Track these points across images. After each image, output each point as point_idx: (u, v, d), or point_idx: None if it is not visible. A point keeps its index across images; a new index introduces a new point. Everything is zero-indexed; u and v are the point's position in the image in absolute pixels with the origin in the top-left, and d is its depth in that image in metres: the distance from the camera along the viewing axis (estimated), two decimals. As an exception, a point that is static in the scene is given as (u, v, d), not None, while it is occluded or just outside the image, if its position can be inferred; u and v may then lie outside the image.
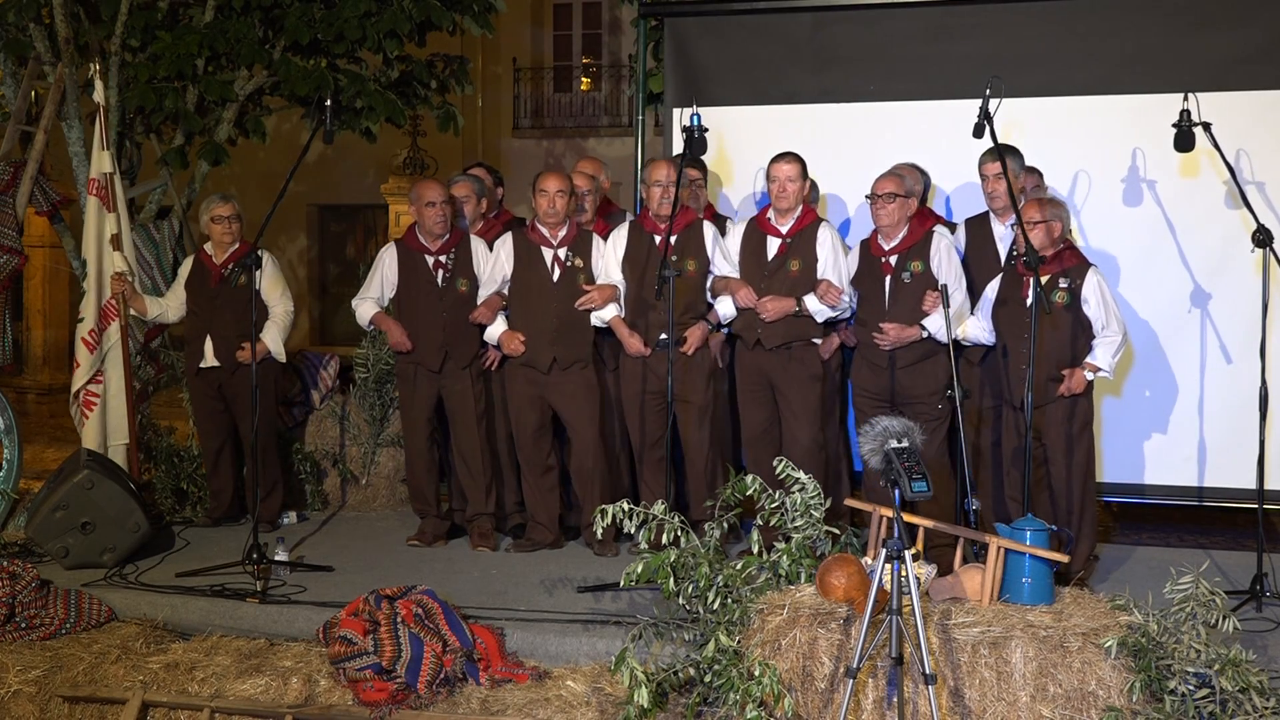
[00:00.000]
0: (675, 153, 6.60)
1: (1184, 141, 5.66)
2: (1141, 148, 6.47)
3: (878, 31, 6.88)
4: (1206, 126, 5.61)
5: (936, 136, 6.62)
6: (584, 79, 17.74)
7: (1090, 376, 5.56)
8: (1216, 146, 5.58)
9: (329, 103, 6.03)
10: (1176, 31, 6.48)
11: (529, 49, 17.61)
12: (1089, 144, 6.55)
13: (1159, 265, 6.49)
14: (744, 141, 6.96)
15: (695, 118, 5.79)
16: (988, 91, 5.27)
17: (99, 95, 6.89)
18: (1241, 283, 6.27)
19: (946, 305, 5.37)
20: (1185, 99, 5.64)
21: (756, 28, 7.02)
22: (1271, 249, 5.43)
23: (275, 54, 8.07)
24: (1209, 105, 5.64)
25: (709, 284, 6.16)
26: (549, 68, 17.77)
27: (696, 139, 5.81)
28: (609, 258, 6.24)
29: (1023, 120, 6.35)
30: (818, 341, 6.03)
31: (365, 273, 7.42)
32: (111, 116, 7.33)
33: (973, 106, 5.35)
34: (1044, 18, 6.63)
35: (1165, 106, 5.89)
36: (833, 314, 5.98)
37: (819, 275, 5.96)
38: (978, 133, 5.37)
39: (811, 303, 5.94)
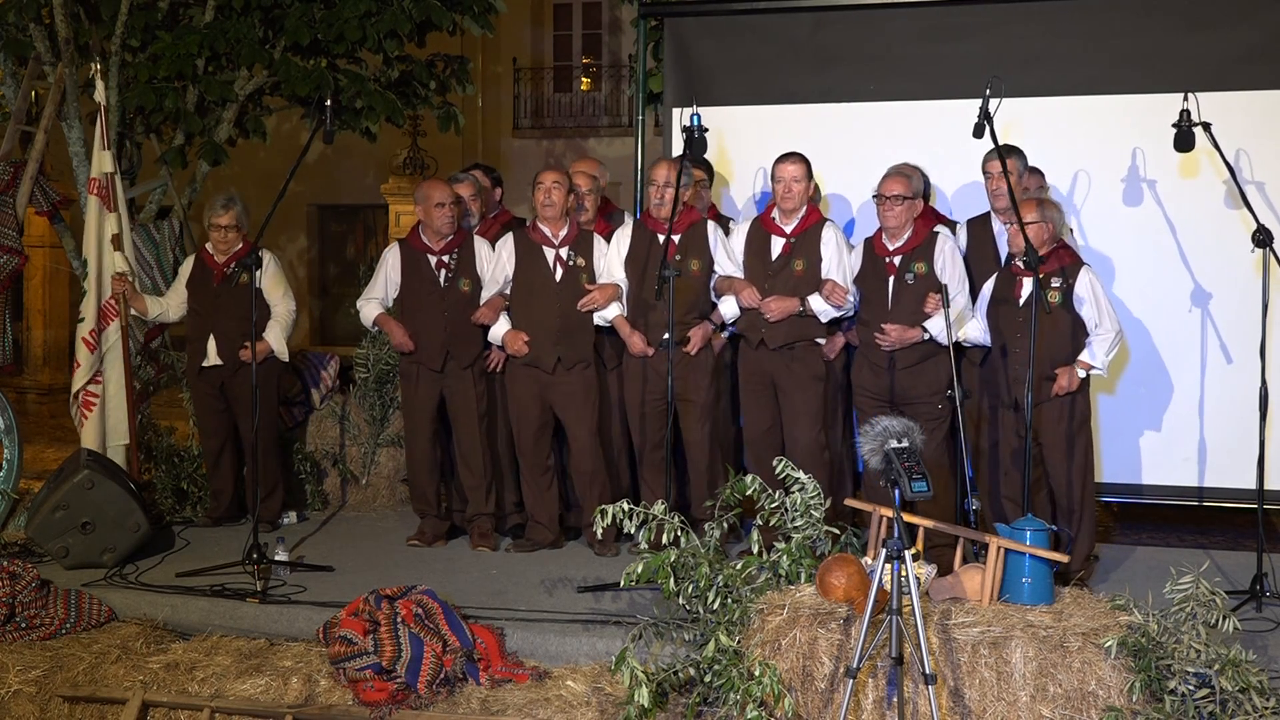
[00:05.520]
0: (676, 153, 6.60)
1: (1184, 141, 5.66)
2: (1141, 148, 6.47)
3: (878, 31, 6.88)
4: (1206, 126, 5.60)
5: (936, 136, 6.61)
6: (584, 79, 17.73)
7: (1084, 374, 5.57)
8: (1216, 146, 5.58)
9: (329, 103, 6.03)
10: (1176, 31, 6.48)
11: (529, 49, 17.60)
12: (1089, 144, 6.55)
13: (1159, 265, 6.49)
14: (744, 141, 6.96)
15: (695, 118, 5.78)
16: (988, 91, 5.27)
17: (100, 95, 6.89)
18: (1241, 283, 6.27)
19: (947, 307, 5.38)
20: (1185, 99, 5.64)
21: (756, 28, 7.02)
22: (1271, 249, 5.43)
23: (275, 54, 8.06)
24: (1209, 105, 5.64)
25: (713, 284, 6.15)
26: (549, 68, 17.76)
27: (696, 139, 5.80)
28: (612, 256, 6.24)
29: (1023, 120, 6.34)
30: (821, 342, 6.02)
31: (365, 273, 7.44)
32: (112, 116, 7.32)
33: (973, 106, 5.35)
34: (1044, 18, 6.63)
35: (1165, 106, 5.89)
36: (837, 314, 5.97)
37: (824, 275, 5.95)
38: (978, 133, 5.37)
39: (816, 303, 5.93)
